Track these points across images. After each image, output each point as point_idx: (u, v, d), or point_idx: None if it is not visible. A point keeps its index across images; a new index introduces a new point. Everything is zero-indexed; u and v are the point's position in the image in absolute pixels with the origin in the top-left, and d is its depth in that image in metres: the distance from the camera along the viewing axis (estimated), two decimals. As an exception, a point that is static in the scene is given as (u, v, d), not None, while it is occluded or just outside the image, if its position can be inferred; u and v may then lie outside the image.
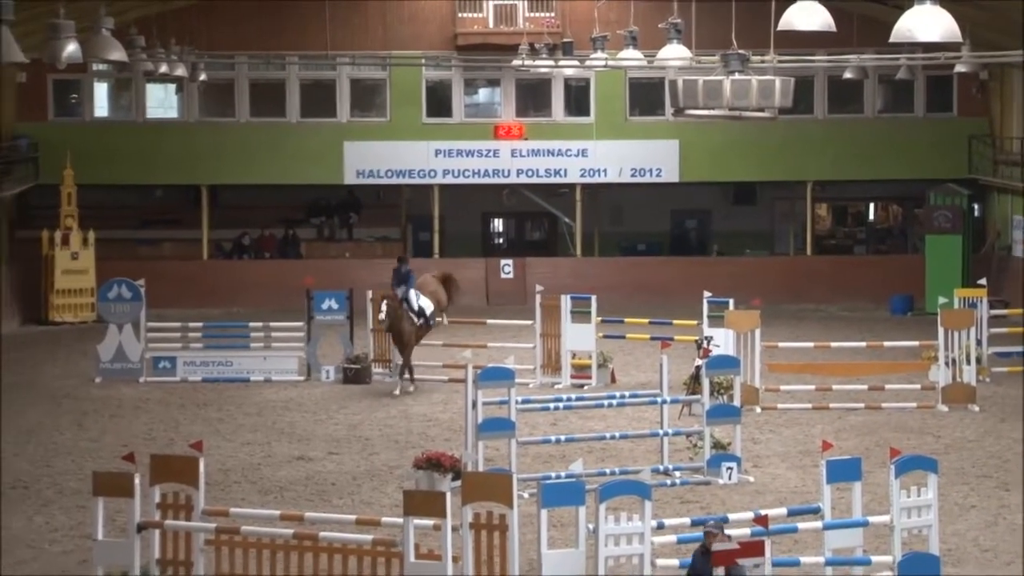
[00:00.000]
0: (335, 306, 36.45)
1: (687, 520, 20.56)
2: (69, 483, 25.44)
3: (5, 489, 25.90)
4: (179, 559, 19.55)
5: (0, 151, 46.10)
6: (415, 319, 32.82)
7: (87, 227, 45.09)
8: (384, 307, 32.55)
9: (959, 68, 41.68)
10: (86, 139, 47.63)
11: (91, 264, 44.77)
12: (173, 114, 49.92)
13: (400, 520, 18.59)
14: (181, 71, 44.23)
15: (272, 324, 37.34)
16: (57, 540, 23.14)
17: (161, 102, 50.01)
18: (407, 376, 33.57)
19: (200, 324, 37.69)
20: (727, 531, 17.62)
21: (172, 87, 49.22)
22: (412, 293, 32.54)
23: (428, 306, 32.52)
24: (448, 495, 18.85)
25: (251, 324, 37.60)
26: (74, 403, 33.63)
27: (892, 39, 21.46)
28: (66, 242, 45.05)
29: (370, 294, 36.77)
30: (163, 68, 42.73)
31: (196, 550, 19.75)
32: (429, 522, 18.36)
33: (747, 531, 18.12)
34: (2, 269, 46.39)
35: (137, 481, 19.45)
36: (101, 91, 49.76)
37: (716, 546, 17.00)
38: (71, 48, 28.04)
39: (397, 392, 32.99)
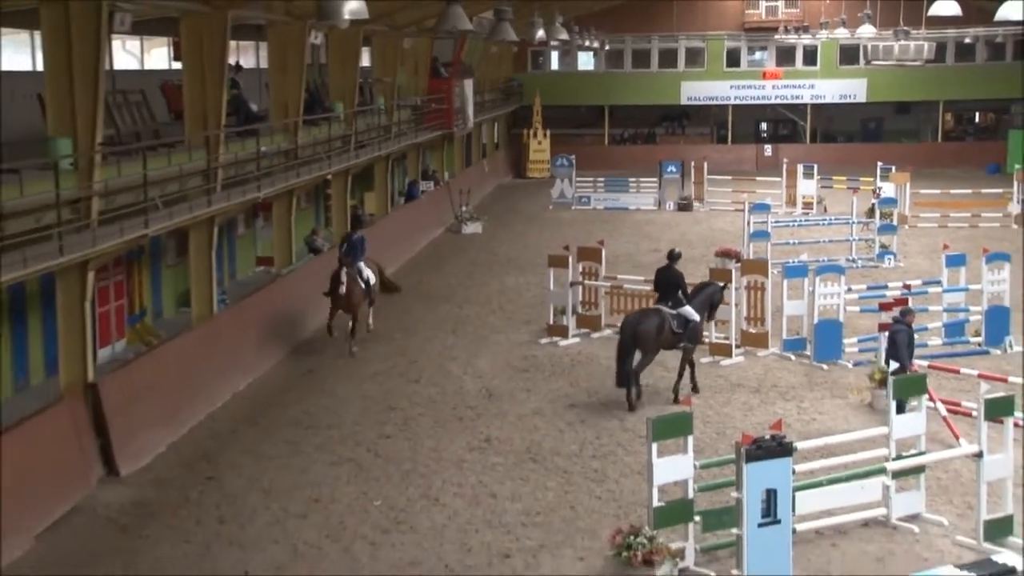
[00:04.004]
0: (674, 169, 36.02)
1: (864, 286, 20.01)
2: (534, 260, 25.92)
3: (503, 264, 26.54)
4: (591, 300, 19.85)
5: (503, 89, 46.70)
6: (363, 285, 19.51)
7: (546, 127, 45.34)
8: (344, 277, 18.87)
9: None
10: (546, 81, 47.63)
11: (547, 147, 45.00)
12: (591, 67, 49.28)
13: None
14: (596, 44, 43.98)
15: (640, 179, 37.00)
16: (530, 290, 23.76)
17: (586, 61, 49.51)
18: (353, 339, 19.13)
19: (603, 179, 37.67)
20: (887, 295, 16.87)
21: (591, 53, 48.60)
22: (362, 264, 19.71)
23: (372, 278, 19.90)
24: (733, 271, 18.67)
25: (629, 179, 37.40)
26: (539, 220, 34.11)
27: (995, 19, 20.08)
28: (535, 135, 45.36)
29: (694, 163, 36.25)
30: (587, 43, 42.52)
31: (600, 296, 20.06)
32: (720, 283, 18.16)
33: (899, 291, 17.54)
34: (503, 151, 47.35)
35: (570, 259, 19.80)
36: (554, 56, 49.49)
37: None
38: (540, 33, 28.11)
39: (350, 353, 18.79)
